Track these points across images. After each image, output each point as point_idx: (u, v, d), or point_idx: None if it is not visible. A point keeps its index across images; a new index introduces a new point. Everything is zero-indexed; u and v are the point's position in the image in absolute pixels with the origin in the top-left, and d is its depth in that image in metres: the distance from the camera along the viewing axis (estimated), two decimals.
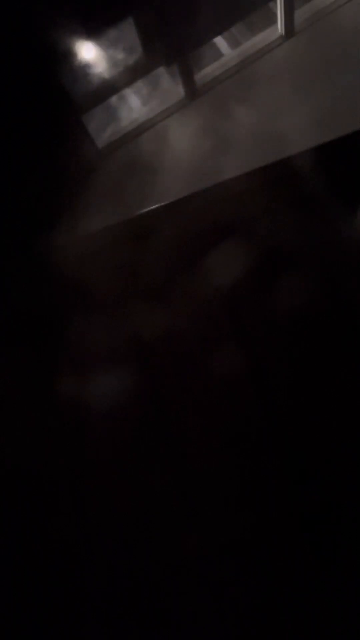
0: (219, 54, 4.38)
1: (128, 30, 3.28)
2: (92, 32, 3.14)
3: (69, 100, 3.19)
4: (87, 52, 3.38)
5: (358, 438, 1.77)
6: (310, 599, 1.70)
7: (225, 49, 4.51)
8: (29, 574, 1.84)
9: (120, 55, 3.43)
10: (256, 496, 1.78)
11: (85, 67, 3.39)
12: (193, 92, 3.62)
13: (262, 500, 1.78)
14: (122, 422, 1.87)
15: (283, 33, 3.66)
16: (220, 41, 4.52)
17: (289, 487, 1.77)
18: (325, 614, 1.68)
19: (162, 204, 1.96)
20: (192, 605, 1.75)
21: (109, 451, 1.85)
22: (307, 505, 1.76)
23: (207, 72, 3.71)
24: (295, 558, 1.72)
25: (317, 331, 1.79)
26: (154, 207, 1.97)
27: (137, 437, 1.86)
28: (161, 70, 3.94)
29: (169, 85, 4.19)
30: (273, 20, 3.70)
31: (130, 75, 3.34)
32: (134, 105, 4.29)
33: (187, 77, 3.53)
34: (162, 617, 1.76)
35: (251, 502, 1.78)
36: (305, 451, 1.78)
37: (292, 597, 1.71)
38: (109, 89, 3.32)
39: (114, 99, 4.03)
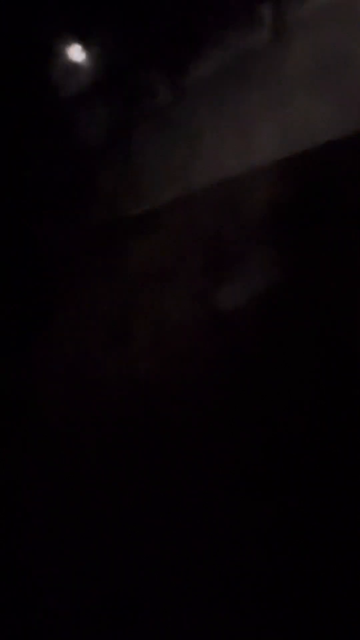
0: (208, 55, 4.36)
1: (117, 32, 3.27)
2: (81, 35, 3.13)
3: (56, 99, 3.17)
4: (76, 54, 3.37)
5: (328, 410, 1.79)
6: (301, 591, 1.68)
7: (214, 50, 4.49)
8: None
9: (108, 58, 3.42)
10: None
11: (72, 68, 3.37)
12: (181, 92, 3.60)
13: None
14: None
15: (272, 35, 3.66)
16: (209, 42, 4.51)
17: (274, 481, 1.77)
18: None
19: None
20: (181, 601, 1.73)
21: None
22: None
23: (195, 73, 3.70)
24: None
25: None
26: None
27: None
28: (150, 71, 3.91)
29: (156, 86, 4.16)
30: (263, 22, 3.69)
31: (118, 77, 3.32)
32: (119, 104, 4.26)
33: (176, 78, 3.52)
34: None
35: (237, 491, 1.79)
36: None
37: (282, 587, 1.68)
38: (96, 90, 3.30)
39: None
